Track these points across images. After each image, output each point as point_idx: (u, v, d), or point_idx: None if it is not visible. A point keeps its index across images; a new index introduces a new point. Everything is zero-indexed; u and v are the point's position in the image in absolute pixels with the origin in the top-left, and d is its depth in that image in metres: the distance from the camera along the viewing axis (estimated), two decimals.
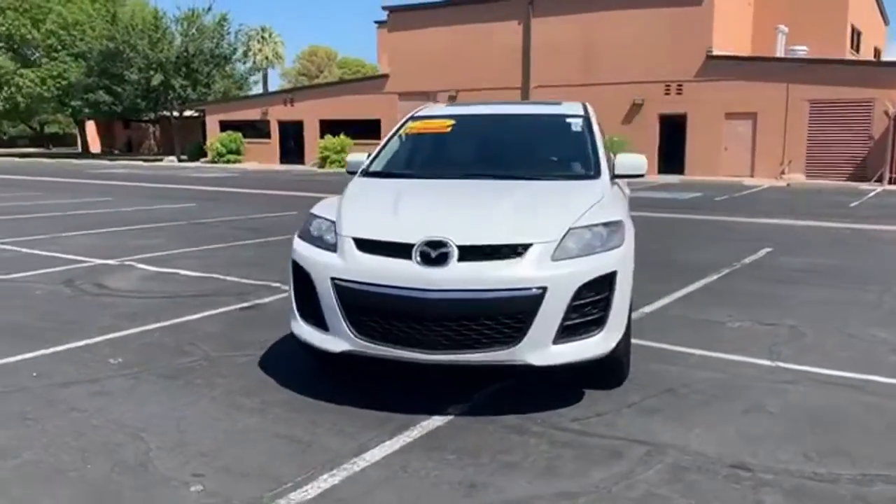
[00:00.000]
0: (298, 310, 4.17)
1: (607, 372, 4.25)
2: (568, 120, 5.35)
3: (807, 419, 3.90)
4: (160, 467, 3.30)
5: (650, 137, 27.27)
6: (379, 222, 4.09)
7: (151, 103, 43.12)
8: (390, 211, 4.18)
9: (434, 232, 3.82)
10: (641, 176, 5.08)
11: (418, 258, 3.75)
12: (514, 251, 3.78)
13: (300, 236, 4.29)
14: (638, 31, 27.25)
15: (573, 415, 3.93)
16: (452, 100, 31.81)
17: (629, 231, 4.21)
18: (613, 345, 3.95)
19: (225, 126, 39.05)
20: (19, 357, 4.86)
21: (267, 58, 71.97)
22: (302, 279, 4.10)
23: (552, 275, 3.73)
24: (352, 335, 3.88)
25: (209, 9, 43.24)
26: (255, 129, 38.07)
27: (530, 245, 3.79)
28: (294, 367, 4.63)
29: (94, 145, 54.01)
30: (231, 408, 4.04)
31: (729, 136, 26.67)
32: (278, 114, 37.58)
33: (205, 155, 39.90)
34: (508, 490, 3.12)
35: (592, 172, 4.76)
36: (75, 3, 47.02)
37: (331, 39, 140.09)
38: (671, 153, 27.35)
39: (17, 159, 43.30)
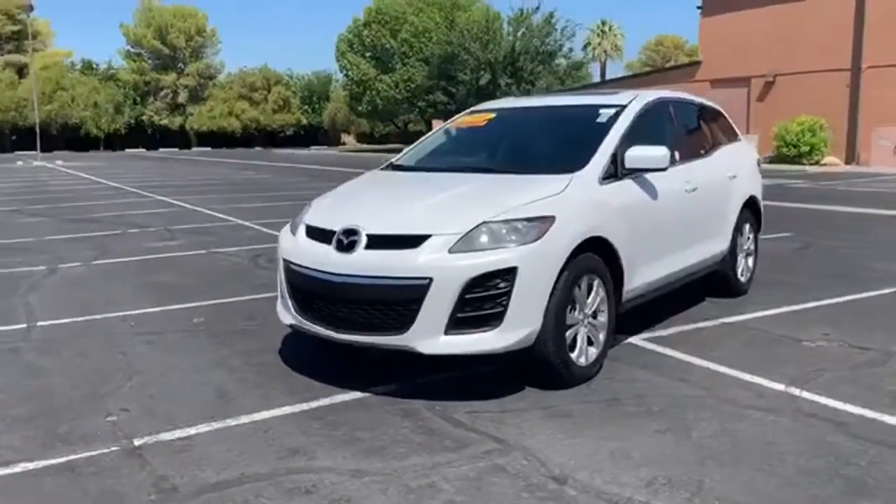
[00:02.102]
0: (279, 287, 4.75)
1: (537, 370, 4.13)
2: (601, 111, 5.10)
3: (727, 449, 3.41)
4: (111, 402, 4.12)
5: None
6: (327, 210, 4.49)
7: (479, 102, 46.38)
8: (345, 200, 4.54)
9: (351, 221, 4.12)
10: (662, 169, 4.70)
11: (335, 244, 4.09)
12: (412, 242, 3.91)
13: (290, 223, 4.85)
14: None
15: (474, 408, 3.93)
16: (769, 85, 29.39)
17: (577, 226, 4.06)
18: (513, 341, 3.87)
19: None
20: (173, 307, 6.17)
21: (605, 51, 72.81)
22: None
23: (440, 266, 3.80)
24: (293, 311, 4.36)
25: (537, 8, 45.05)
26: None
27: (429, 237, 3.90)
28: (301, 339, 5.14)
29: None
30: (208, 362, 4.76)
31: None
32: None
33: None
34: (319, 459, 3.36)
35: (574, 167, 4.53)
36: (425, 13, 52.35)
37: (679, 28, 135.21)
38: None
39: (367, 154, 49.55)
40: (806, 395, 4.07)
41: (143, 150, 66.05)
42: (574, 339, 4.21)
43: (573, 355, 4.19)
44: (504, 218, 3.95)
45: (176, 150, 66.27)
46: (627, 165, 4.67)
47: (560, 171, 4.51)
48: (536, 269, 3.88)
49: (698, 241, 5.56)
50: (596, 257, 4.31)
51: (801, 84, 27.79)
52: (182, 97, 73.74)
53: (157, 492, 3.08)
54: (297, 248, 4.36)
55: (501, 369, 4.40)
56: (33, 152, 45.89)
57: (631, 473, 3.19)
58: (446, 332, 3.83)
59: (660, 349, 4.92)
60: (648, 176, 4.86)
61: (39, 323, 5.83)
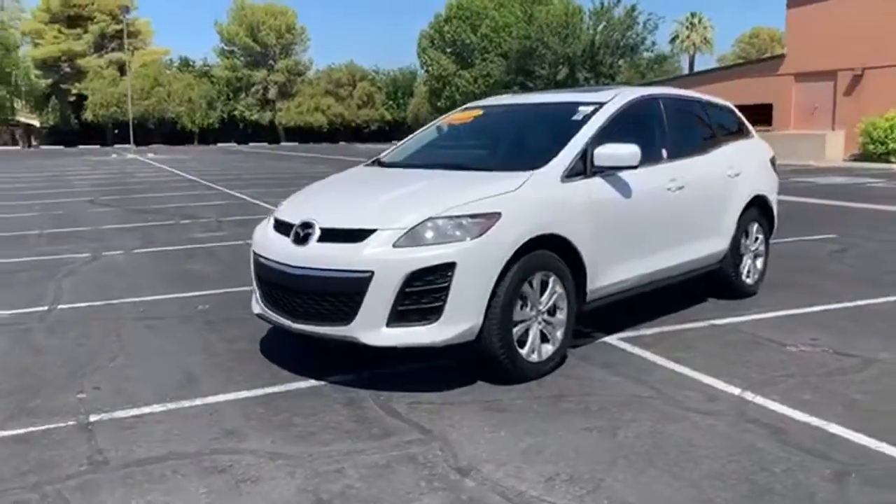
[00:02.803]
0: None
1: (484, 365, 4.19)
2: (579, 108, 5.07)
3: (645, 450, 3.40)
4: (88, 380, 4.41)
5: None
6: (295, 204, 4.66)
7: None
8: (313, 194, 4.71)
9: (308, 214, 4.29)
10: (633, 167, 4.67)
11: (293, 237, 4.26)
12: (359, 236, 4.03)
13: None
14: None
15: (418, 399, 4.02)
16: (857, 79, 27.98)
17: (523, 224, 4.10)
18: (452, 335, 3.94)
19: None
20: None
21: (694, 44, 70.79)
22: None
23: (381, 260, 3.91)
24: (260, 301, 4.56)
25: (619, 1, 44.30)
26: None
27: (374, 231, 4.01)
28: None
29: None
30: (192, 347, 5.01)
31: None
32: None
33: None
34: (247, 442, 3.53)
35: (537, 164, 4.53)
36: (506, 7, 52.29)
37: (777, 20, 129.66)
38: None
39: None
40: (758, 400, 3.98)
41: (235, 144, 68.49)
42: (525, 335, 4.23)
43: (523, 351, 4.22)
44: (450, 214, 4.03)
45: (265, 144, 68.38)
46: (597, 163, 4.65)
47: (522, 168, 4.52)
48: (476, 265, 3.93)
49: (689, 239, 5.46)
50: (551, 254, 4.32)
51: (891, 78, 26.32)
52: (272, 93, 75.98)
53: (89, 464, 3.32)
54: (264, 240, 4.56)
55: (459, 363, 4.47)
56: (129, 146, 48.36)
57: (536, 469, 3.22)
58: (388, 325, 3.94)
59: (631, 348, 4.88)
60: (624, 174, 4.82)
61: (60, 306, 6.26)
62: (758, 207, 6.27)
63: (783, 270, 7.19)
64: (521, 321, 4.21)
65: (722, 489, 3.02)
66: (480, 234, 3.97)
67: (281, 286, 4.31)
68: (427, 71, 56.94)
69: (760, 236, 6.35)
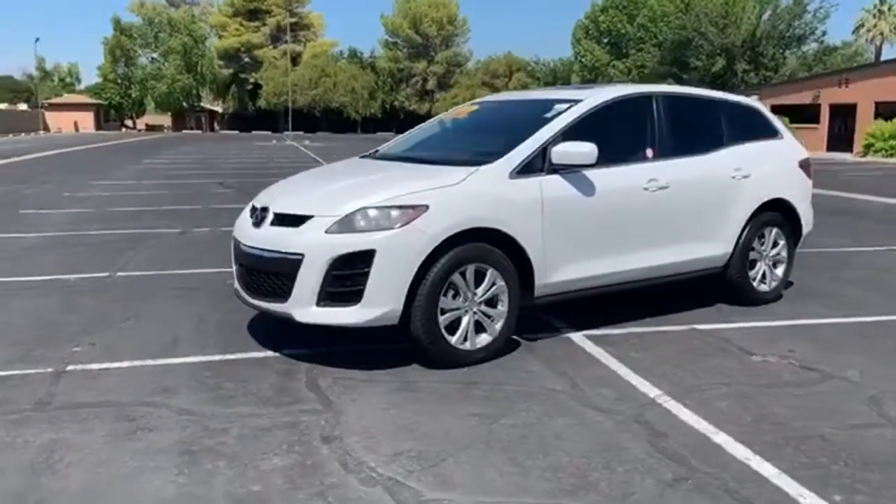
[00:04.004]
0: None
1: (413, 348, 4.42)
2: (555, 106, 5.13)
3: (509, 438, 3.53)
4: (91, 337, 5.07)
5: None
6: (269, 191, 5.08)
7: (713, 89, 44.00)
8: (287, 183, 5.11)
9: (268, 200, 4.71)
10: (590, 165, 4.71)
11: (253, 220, 4.70)
12: (299, 221, 4.40)
13: None
14: None
15: (344, 375, 4.32)
16: None
17: (451, 216, 4.30)
18: (372, 317, 4.21)
19: (775, 110, 37.49)
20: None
21: (882, 33, 64.93)
22: None
23: (311, 245, 4.25)
24: (236, 277, 5.04)
25: None
26: (804, 113, 35.63)
27: (311, 217, 4.36)
28: None
29: None
30: (194, 315, 5.57)
31: None
32: (831, 96, 34.42)
33: None
34: (173, 399, 3.96)
35: (489, 159, 4.67)
36: None
37: None
38: None
39: None
40: (669, 404, 3.94)
41: (394, 133, 71.05)
42: (457, 324, 4.42)
43: (453, 338, 4.41)
44: (381, 205, 4.29)
45: None
46: (554, 161, 4.72)
47: (477, 163, 4.69)
48: (396, 253, 4.18)
49: (674, 241, 5.36)
50: (490, 248, 4.46)
51: None
52: (431, 84, 78.07)
53: (35, 404, 3.91)
54: (240, 223, 5.02)
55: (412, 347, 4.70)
56: (292, 132, 51.58)
57: (394, 444, 3.44)
58: (317, 304, 4.28)
59: (588, 346, 4.91)
60: (591, 173, 4.85)
61: (119, 273, 7.11)
62: (779, 212, 5.99)
63: (836, 280, 6.84)
64: (452, 310, 4.40)
65: (547, 480, 3.11)
66: (403, 225, 4.20)
67: (242, 264, 4.76)
68: (580, 61, 56.17)
69: (781, 242, 6.06)
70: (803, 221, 6.18)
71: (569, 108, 5.04)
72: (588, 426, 3.67)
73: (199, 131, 73.91)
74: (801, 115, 35.77)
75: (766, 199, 5.83)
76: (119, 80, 73.66)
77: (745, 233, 5.75)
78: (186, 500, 2.96)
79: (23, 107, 73.26)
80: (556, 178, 4.76)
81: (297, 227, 4.38)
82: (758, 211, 5.80)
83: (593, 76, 53.70)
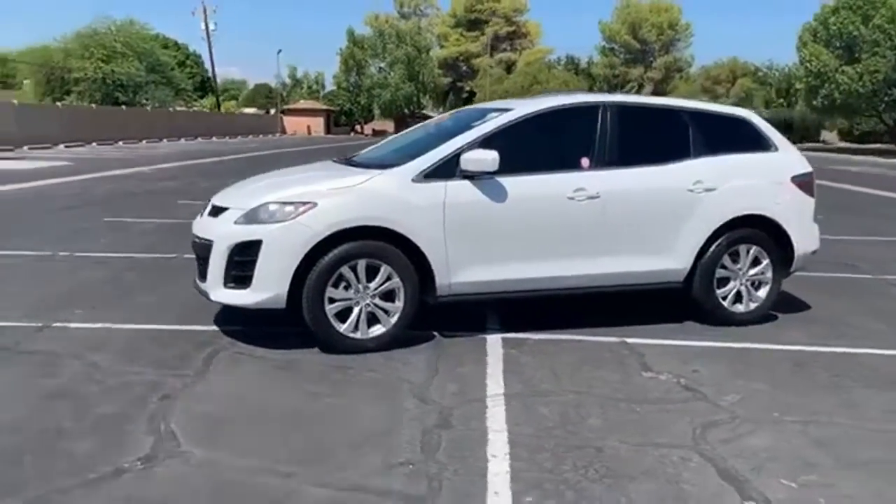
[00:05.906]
0: None
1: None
2: (489, 114, 5.32)
3: (290, 409, 3.90)
4: (95, 302, 6.07)
5: None
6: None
7: None
8: (244, 180, 5.75)
9: (216, 195, 5.39)
10: (490, 173, 4.89)
11: (203, 211, 5.42)
12: (219, 212, 5.03)
13: None
14: None
15: (245, 351, 4.89)
16: None
17: (337, 213, 4.71)
18: (261, 300, 4.73)
19: None
20: None
21: None
22: None
23: (219, 233, 4.88)
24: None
25: None
26: None
27: (227, 209, 4.97)
28: None
29: None
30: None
31: None
32: None
33: None
34: (95, 355, 4.73)
35: (400, 163, 5.01)
36: None
37: None
38: None
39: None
40: (493, 403, 4.06)
41: None
42: (347, 313, 4.81)
43: (342, 327, 4.80)
44: (280, 200, 4.80)
45: None
46: (462, 167, 4.93)
47: (388, 167, 5.06)
48: (280, 244, 4.66)
49: (613, 251, 5.27)
50: (384, 245, 4.80)
51: None
52: (646, 90, 76.00)
53: (1, 349, 4.89)
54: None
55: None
56: None
57: (206, 407, 3.96)
58: (224, 286, 4.88)
59: (494, 347, 5.03)
60: (507, 180, 5.00)
61: (145, 255, 8.09)
62: (760, 228, 5.62)
63: (865, 310, 6.27)
64: (342, 300, 4.79)
65: (293, 451, 3.46)
66: (289, 219, 4.67)
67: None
68: (806, 66, 51.77)
69: (764, 261, 5.66)
70: (795, 241, 5.70)
71: (496, 117, 5.20)
72: (392, 414, 3.91)
73: None
74: None
75: (737, 214, 5.50)
76: (350, 88, 79.79)
77: (711, 248, 5.49)
78: (41, 414, 3.75)
79: (272, 111, 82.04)
80: (463, 184, 4.95)
81: (216, 217, 5.02)
82: (727, 226, 5.50)
83: (819, 83, 49.29)
